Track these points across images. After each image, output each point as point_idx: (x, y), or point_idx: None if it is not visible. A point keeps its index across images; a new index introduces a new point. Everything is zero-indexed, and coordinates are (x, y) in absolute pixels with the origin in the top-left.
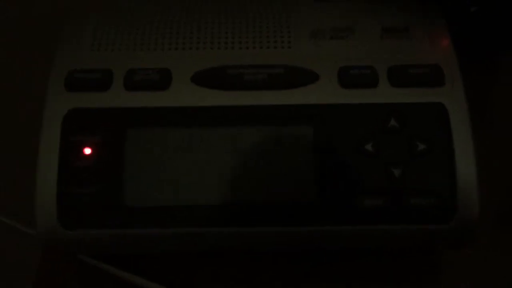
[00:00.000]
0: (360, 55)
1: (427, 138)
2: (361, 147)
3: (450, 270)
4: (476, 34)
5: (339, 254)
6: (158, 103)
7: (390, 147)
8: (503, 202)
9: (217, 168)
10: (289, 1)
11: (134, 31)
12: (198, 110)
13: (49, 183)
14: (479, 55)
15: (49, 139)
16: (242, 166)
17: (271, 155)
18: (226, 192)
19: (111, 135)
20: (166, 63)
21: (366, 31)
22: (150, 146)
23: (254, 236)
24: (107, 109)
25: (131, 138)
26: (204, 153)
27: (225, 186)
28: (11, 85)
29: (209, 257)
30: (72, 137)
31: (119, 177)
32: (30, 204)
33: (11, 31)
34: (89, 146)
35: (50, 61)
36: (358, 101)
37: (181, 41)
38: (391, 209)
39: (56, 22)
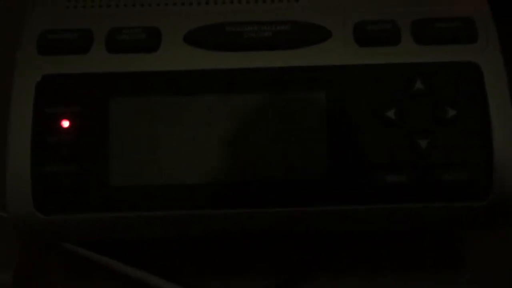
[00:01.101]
0: (379, 7)
1: (458, 103)
2: (382, 114)
3: (473, 256)
4: None
5: (353, 240)
6: (145, 67)
7: (415, 114)
8: None
9: (214, 141)
10: None
11: None
12: (192, 74)
13: (22, 162)
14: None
15: (20, 111)
16: (242, 139)
17: (277, 125)
18: (225, 169)
19: (92, 105)
20: (154, 21)
21: None
22: (137, 117)
23: (257, 218)
24: (87, 74)
25: (115, 108)
26: (200, 124)
27: (224, 162)
28: None
29: (205, 244)
30: (47, 107)
31: (102, 153)
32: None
33: None
34: (66, 118)
35: (20, 21)
36: (377, 61)
37: None
38: (416, 185)
39: None
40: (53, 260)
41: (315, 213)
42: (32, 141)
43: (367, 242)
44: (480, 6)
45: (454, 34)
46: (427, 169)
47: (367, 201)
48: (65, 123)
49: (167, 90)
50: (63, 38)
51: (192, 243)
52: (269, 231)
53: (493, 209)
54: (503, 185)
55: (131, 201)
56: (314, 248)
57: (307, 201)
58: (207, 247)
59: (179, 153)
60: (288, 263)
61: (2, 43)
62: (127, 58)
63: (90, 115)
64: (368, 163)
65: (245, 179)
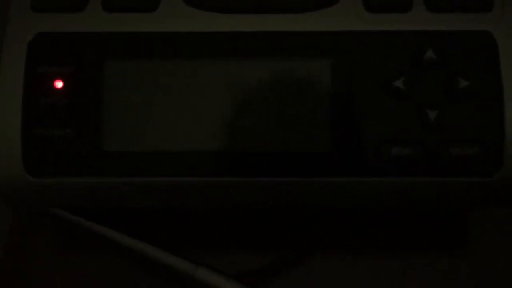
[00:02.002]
0: None
1: (471, 74)
2: (390, 84)
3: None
4: None
5: (355, 219)
6: (143, 27)
7: (424, 85)
8: None
9: (212, 108)
10: None
11: None
12: (192, 36)
13: (12, 123)
14: None
15: (11, 70)
16: (243, 106)
17: (279, 93)
18: (223, 137)
19: (87, 66)
20: None
21: None
22: (133, 80)
23: (257, 189)
24: (82, 33)
25: (111, 70)
26: (198, 90)
27: (222, 129)
28: None
29: (203, 217)
30: (39, 67)
31: (95, 116)
32: None
33: None
34: (60, 78)
35: None
36: (386, 27)
37: None
38: (424, 159)
39: None
40: (43, 229)
41: (319, 185)
42: (23, 101)
43: (367, 225)
44: None
45: (468, 2)
46: (435, 142)
47: (372, 173)
48: (58, 84)
49: (165, 52)
50: None
51: (188, 214)
52: (269, 204)
53: (502, 185)
54: None
55: (123, 166)
56: (313, 227)
57: (311, 172)
58: (204, 219)
59: (175, 119)
60: (286, 240)
61: None
62: (124, 18)
63: (84, 76)
64: (374, 134)
65: (244, 149)
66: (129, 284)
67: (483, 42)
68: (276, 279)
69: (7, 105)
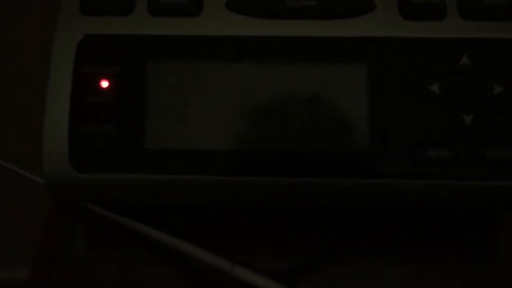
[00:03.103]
0: None
1: (505, 80)
2: (426, 88)
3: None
4: None
5: (381, 224)
6: (187, 31)
7: (460, 90)
8: None
9: (253, 110)
10: None
11: None
12: (233, 40)
13: (60, 120)
14: None
15: (60, 70)
16: (282, 108)
17: (317, 96)
18: (263, 138)
19: (132, 67)
20: None
21: None
22: (176, 81)
23: (295, 188)
24: (128, 36)
25: (155, 71)
26: (238, 91)
27: (262, 130)
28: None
29: (242, 216)
30: (87, 67)
31: (139, 115)
32: (38, 149)
33: None
34: (106, 78)
35: None
36: (422, 35)
37: None
38: (460, 162)
39: None
40: (80, 225)
41: (353, 186)
42: (71, 99)
43: (395, 226)
44: None
45: (502, 10)
46: (470, 145)
47: (408, 176)
48: (104, 83)
49: (207, 55)
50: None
51: (222, 213)
52: (306, 203)
53: None
54: None
55: (165, 164)
56: (341, 230)
57: (348, 174)
58: (242, 218)
59: (215, 119)
60: (320, 240)
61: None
62: (168, 22)
63: (129, 76)
64: (410, 137)
65: (284, 149)
66: (161, 283)
67: None
68: (313, 277)
69: (55, 103)
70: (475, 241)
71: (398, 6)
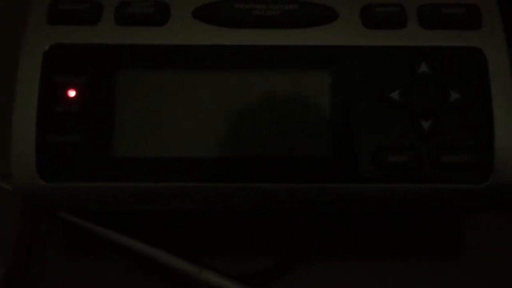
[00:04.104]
0: None
1: (462, 87)
2: (386, 95)
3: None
4: None
5: (350, 224)
6: (154, 40)
7: (419, 96)
8: None
9: (219, 117)
10: None
11: None
12: (200, 49)
13: (27, 130)
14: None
15: (27, 79)
16: (248, 115)
17: (282, 103)
18: (229, 144)
19: (99, 76)
20: None
21: None
22: (143, 89)
23: (261, 194)
24: (95, 45)
25: (122, 80)
26: (205, 99)
27: (229, 137)
28: None
29: (210, 221)
30: (54, 76)
31: (107, 123)
32: (6, 156)
33: None
34: (73, 87)
35: None
36: (383, 43)
37: None
38: (419, 166)
39: None
40: (52, 232)
41: (319, 190)
42: (38, 109)
43: (364, 226)
44: None
45: (459, 19)
46: (429, 150)
47: (370, 180)
48: (72, 93)
49: (174, 64)
50: (73, 9)
51: (194, 217)
52: (272, 208)
53: (492, 191)
54: (503, 168)
55: (133, 172)
56: (312, 230)
57: (311, 178)
58: (209, 222)
59: (183, 126)
60: (290, 242)
61: (11, 13)
62: (135, 31)
63: (96, 85)
64: (371, 142)
65: (249, 155)
66: (132, 287)
67: (473, 57)
68: (281, 280)
69: (22, 113)
70: (441, 242)
71: (360, 15)
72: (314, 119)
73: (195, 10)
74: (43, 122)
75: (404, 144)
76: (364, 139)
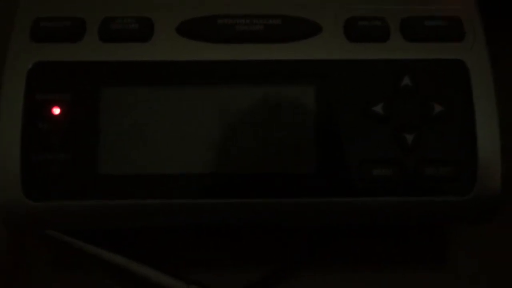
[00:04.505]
0: (370, 4)
1: (445, 100)
2: (370, 109)
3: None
4: None
5: (337, 236)
6: (138, 56)
7: (402, 110)
8: None
9: (204, 133)
10: None
11: None
12: (184, 65)
13: (11, 148)
14: (498, 11)
15: (11, 97)
16: (233, 130)
17: (266, 117)
18: (214, 160)
19: (83, 93)
20: (147, 11)
21: None
22: (128, 106)
23: (246, 209)
24: (79, 62)
25: (106, 97)
26: (190, 115)
27: (214, 153)
28: None
29: (196, 235)
30: (38, 94)
31: (91, 141)
32: None
33: None
34: (57, 105)
35: (14, 8)
36: (366, 56)
37: None
38: (402, 179)
39: None
40: (40, 250)
41: (303, 205)
42: (22, 127)
43: (354, 236)
44: (468, 6)
45: (442, 32)
46: (412, 163)
47: (355, 194)
48: (56, 110)
49: (158, 80)
50: (56, 26)
51: (181, 233)
52: (257, 223)
53: (476, 204)
54: (486, 181)
55: (118, 189)
56: (299, 242)
57: (297, 193)
58: (196, 238)
59: (168, 143)
60: (273, 257)
61: None
62: (119, 48)
63: (81, 103)
64: (355, 156)
65: (233, 171)
66: None
67: (456, 69)
68: None
69: (6, 131)
70: (426, 250)
71: (344, 28)
72: (299, 133)
73: (179, 26)
74: (28, 140)
75: (388, 157)
76: (348, 153)
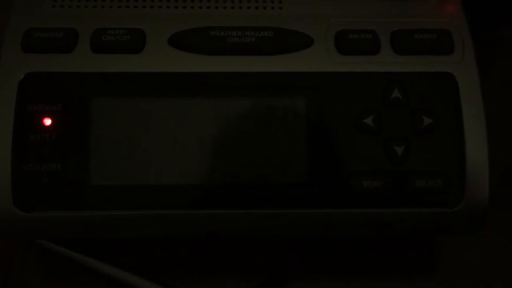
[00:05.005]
0: (360, 17)
1: (434, 112)
2: (360, 121)
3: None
4: (478, 5)
5: (328, 246)
6: (129, 68)
7: (392, 122)
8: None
9: (196, 144)
10: None
11: None
12: (176, 76)
13: (2, 159)
14: (481, 27)
15: (2, 108)
16: (224, 142)
17: (258, 129)
18: (206, 171)
19: (75, 104)
20: (139, 23)
21: None
22: (119, 117)
23: (238, 220)
24: (71, 73)
25: (98, 108)
26: (181, 126)
27: (205, 164)
28: None
29: (187, 244)
30: (29, 105)
31: (82, 152)
32: None
33: None
34: (49, 116)
35: (5, 19)
36: (357, 69)
37: None
38: (392, 191)
39: None
40: (31, 260)
41: (294, 216)
42: (13, 138)
43: (340, 248)
44: (457, 19)
45: (432, 45)
46: (402, 175)
47: (345, 205)
48: (47, 121)
49: (150, 91)
50: (48, 37)
51: (173, 243)
52: (248, 233)
53: (464, 216)
54: (474, 193)
55: (110, 200)
56: (291, 253)
57: (287, 204)
58: (189, 247)
59: (159, 154)
60: (265, 268)
61: None
62: (111, 59)
63: (72, 114)
64: (346, 168)
65: (225, 182)
66: None
67: (445, 82)
68: None
69: None
70: (419, 260)
71: (335, 41)
72: (290, 145)
73: (171, 38)
74: (19, 151)
75: (378, 169)
76: (339, 165)
